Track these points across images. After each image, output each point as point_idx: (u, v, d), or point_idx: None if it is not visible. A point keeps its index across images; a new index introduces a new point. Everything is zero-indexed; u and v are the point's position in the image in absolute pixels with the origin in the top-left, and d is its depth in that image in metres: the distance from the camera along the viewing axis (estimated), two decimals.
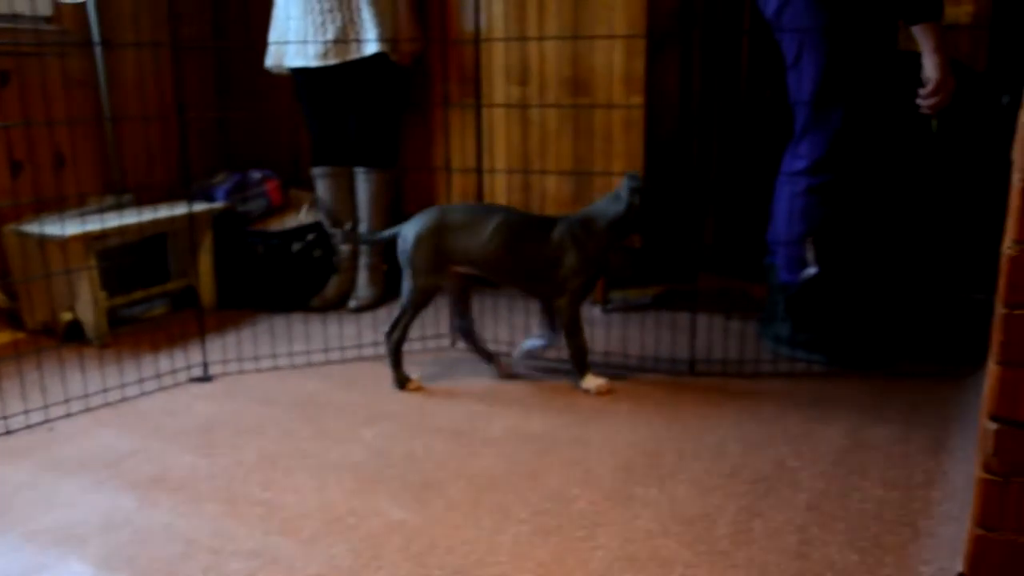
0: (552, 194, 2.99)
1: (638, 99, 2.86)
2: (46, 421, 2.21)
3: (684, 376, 2.43)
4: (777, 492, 1.77)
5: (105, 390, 2.38)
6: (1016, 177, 1.17)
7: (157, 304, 3.20)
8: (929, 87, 2.31)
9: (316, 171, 3.15)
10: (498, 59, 2.99)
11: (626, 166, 2.86)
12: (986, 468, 1.23)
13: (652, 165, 2.97)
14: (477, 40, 2.97)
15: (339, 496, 1.79)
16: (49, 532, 1.68)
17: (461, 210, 2.34)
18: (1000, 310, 1.20)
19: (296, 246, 3.16)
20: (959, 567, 1.29)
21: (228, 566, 1.55)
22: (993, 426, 1.21)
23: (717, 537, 1.61)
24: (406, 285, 2.34)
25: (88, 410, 2.27)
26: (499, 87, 3.02)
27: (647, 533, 1.63)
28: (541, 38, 2.90)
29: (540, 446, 2.01)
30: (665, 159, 3.18)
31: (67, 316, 2.82)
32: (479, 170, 3.01)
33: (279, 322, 2.99)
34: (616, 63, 2.86)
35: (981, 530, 1.25)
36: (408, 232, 2.32)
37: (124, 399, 2.34)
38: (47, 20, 3.06)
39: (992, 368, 1.22)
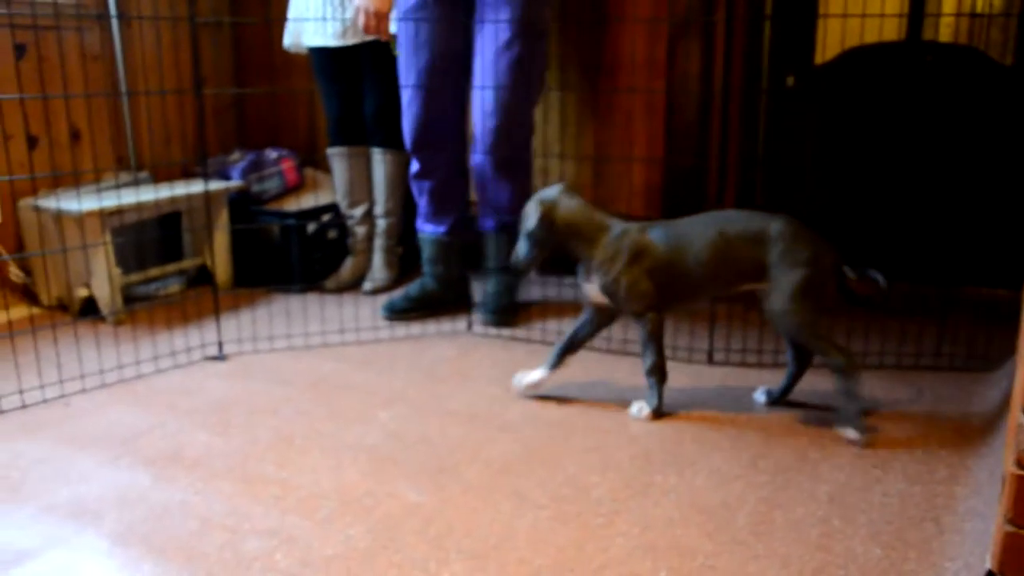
0: (571, 179, 2.97)
1: (659, 84, 2.83)
2: (62, 396, 2.20)
3: (702, 365, 2.41)
4: (798, 484, 1.75)
5: (120, 367, 2.37)
6: None
7: (171, 282, 3.19)
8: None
9: (332, 151, 3.13)
10: None
11: (647, 152, 2.83)
12: (1019, 463, 1.21)
13: (672, 151, 2.94)
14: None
15: (355, 477, 1.78)
16: (65, 506, 1.67)
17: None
18: None
19: (311, 227, 3.14)
20: (987, 565, 1.27)
21: (245, 544, 1.53)
22: None
23: (738, 527, 1.59)
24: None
25: (103, 386, 2.26)
26: None
27: (667, 521, 1.61)
28: (563, 21, 2.87)
29: (557, 432, 1.99)
30: (685, 145, 3.15)
31: (82, 292, 2.81)
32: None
33: (294, 302, 2.98)
34: (638, 48, 2.83)
35: (1012, 527, 1.22)
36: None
37: (139, 376, 2.33)
38: None
39: None
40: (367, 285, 3.12)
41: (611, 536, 1.56)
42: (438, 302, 2.84)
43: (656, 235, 2.01)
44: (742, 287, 2.00)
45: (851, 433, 1.92)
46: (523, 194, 2.66)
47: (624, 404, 2.13)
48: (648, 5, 2.77)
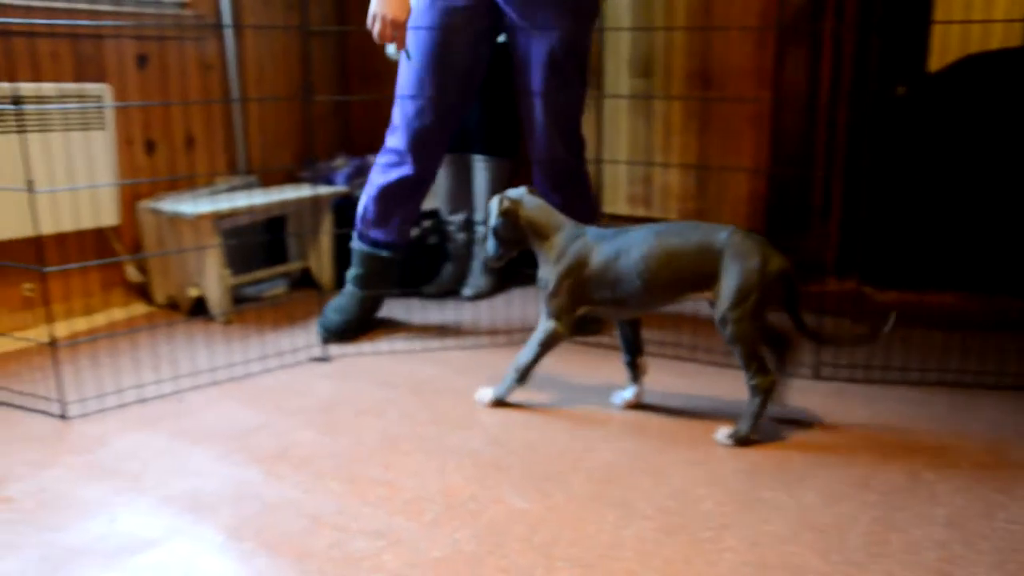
0: (675, 190, 2.94)
1: (766, 93, 2.78)
2: (176, 392, 2.27)
3: (808, 380, 2.35)
4: (913, 505, 1.69)
5: (230, 365, 2.44)
6: None
7: (276, 284, 3.28)
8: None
9: None
10: (622, 50, 2.94)
11: (752, 162, 2.79)
12: None
13: (777, 161, 2.89)
14: (601, 30, 2.94)
15: (459, 481, 1.79)
16: (183, 498, 1.73)
17: None
18: None
19: (412, 232, 3.18)
20: None
21: (353, 544, 1.56)
22: None
23: (851, 548, 1.55)
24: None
25: (214, 384, 2.34)
26: (621, 78, 2.98)
27: (777, 538, 1.58)
28: (668, 28, 2.85)
29: (660, 443, 1.97)
30: (791, 155, 3.10)
31: (193, 292, 2.91)
32: (599, 161, 2.98)
33: (395, 307, 3.02)
34: (744, 56, 2.79)
35: None
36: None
37: (248, 375, 2.40)
38: (182, 5, 3.16)
39: None
40: (466, 291, 3.15)
41: (719, 551, 1.54)
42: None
43: (601, 242, 2.08)
44: (689, 296, 2.03)
45: (723, 436, 1.99)
46: (586, 205, 2.64)
47: (726, 418, 2.10)
48: (756, 13, 2.73)
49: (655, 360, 2.47)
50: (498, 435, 2.01)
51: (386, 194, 2.66)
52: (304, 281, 3.28)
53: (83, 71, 2.80)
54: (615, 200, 3.00)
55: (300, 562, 1.50)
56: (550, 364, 2.47)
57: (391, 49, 2.43)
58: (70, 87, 2.68)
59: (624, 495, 1.74)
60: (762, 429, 2.00)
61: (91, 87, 2.73)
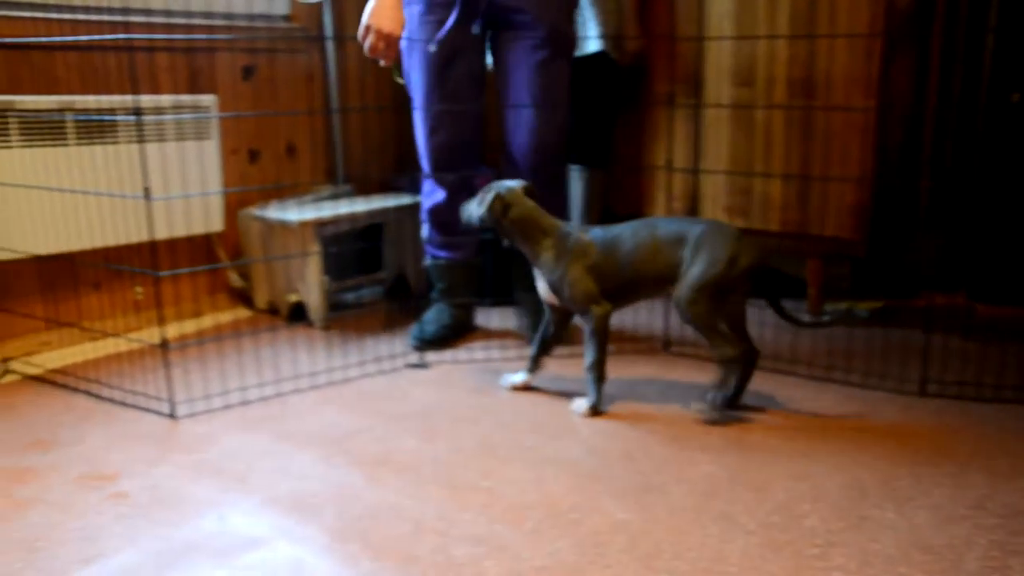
0: (776, 200, 2.88)
1: (871, 102, 2.71)
2: (278, 395, 2.33)
3: (913, 397, 2.28)
4: None
5: (329, 370, 2.49)
6: None
7: (371, 291, 3.33)
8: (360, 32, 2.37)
9: None
10: (723, 59, 2.90)
11: (856, 171, 2.72)
12: None
13: (881, 171, 2.82)
14: (701, 38, 2.91)
15: (558, 490, 1.79)
16: (287, 499, 1.76)
17: None
18: None
19: (506, 242, 3.19)
20: None
21: (455, 549, 1.57)
22: None
23: (968, 572, 1.49)
24: None
25: (314, 388, 2.38)
26: (719, 87, 2.94)
27: (887, 558, 1.53)
28: (768, 36, 2.80)
29: (761, 457, 1.94)
30: (894, 167, 3.01)
31: (292, 298, 2.97)
32: (695, 171, 2.95)
33: (492, 315, 3.04)
34: (849, 64, 2.72)
35: None
36: None
37: (347, 380, 2.44)
38: (285, 18, 3.25)
39: None
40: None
41: (827, 569, 1.50)
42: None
43: (596, 237, 2.18)
44: (671, 288, 2.12)
45: (703, 411, 2.12)
46: (562, 209, 2.69)
47: (830, 430, 2.05)
48: (864, 20, 2.66)
49: (766, 375, 2.43)
50: (596, 445, 2.01)
51: (436, 219, 2.73)
52: (397, 288, 3.32)
53: (194, 83, 2.90)
54: (714, 211, 2.96)
55: (404, 567, 1.52)
56: (648, 373, 2.45)
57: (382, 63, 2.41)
58: (184, 99, 2.78)
59: (726, 509, 1.71)
60: (724, 402, 2.13)
61: (203, 99, 2.83)
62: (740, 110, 2.88)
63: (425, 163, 2.67)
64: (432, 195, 2.71)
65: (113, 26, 2.63)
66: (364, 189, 3.46)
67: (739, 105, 2.88)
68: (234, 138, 3.05)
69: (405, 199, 3.20)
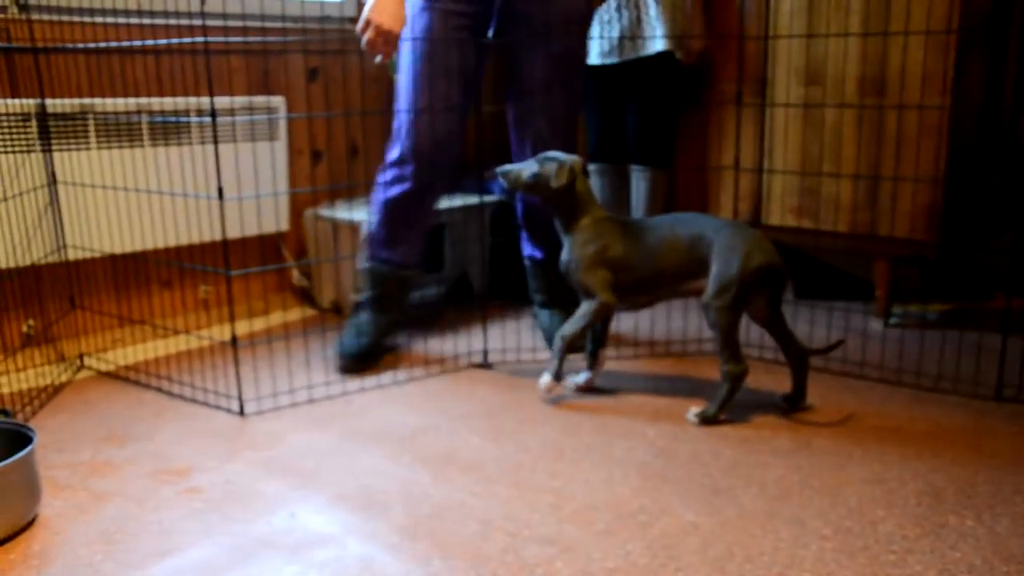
0: (845, 201, 2.83)
1: (945, 100, 2.65)
2: (344, 394, 2.35)
3: (988, 402, 2.22)
4: None
5: (394, 369, 2.50)
6: None
7: (433, 291, 3.34)
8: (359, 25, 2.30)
9: (593, 167, 3.17)
10: (789, 57, 2.86)
11: (929, 172, 2.66)
12: None
13: (953, 172, 2.75)
14: (766, 37, 2.88)
15: (627, 492, 1.78)
16: (356, 496, 1.78)
17: None
18: None
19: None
20: None
21: (526, 550, 1.57)
22: None
23: None
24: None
25: (379, 387, 2.40)
26: (785, 86, 2.90)
27: (968, 567, 1.49)
28: (840, 34, 2.76)
29: (833, 461, 1.90)
30: (969, 165, 2.94)
31: (355, 297, 3.00)
32: (760, 170, 2.92)
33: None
34: (920, 62, 2.66)
35: None
36: None
37: (411, 379, 2.45)
38: (351, 21, 3.28)
39: None
40: (622, 303, 3.13)
41: None
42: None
43: (624, 227, 2.23)
44: (691, 284, 2.17)
45: (692, 415, 2.13)
46: None
47: (902, 434, 2.00)
48: (938, 17, 2.60)
49: (834, 378, 2.39)
50: (664, 446, 1.99)
51: (391, 212, 2.55)
52: (461, 288, 3.33)
53: (262, 84, 2.95)
54: (781, 212, 2.92)
55: (475, 565, 1.52)
56: (714, 375, 2.42)
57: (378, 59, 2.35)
58: (257, 100, 2.82)
59: (798, 513, 1.68)
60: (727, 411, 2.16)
61: (272, 100, 2.87)
62: (809, 109, 2.84)
63: (396, 152, 2.53)
64: (393, 187, 2.53)
65: (190, 30, 2.68)
66: None
67: (805, 104, 2.84)
68: (299, 139, 3.08)
69: (469, 200, 3.22)
